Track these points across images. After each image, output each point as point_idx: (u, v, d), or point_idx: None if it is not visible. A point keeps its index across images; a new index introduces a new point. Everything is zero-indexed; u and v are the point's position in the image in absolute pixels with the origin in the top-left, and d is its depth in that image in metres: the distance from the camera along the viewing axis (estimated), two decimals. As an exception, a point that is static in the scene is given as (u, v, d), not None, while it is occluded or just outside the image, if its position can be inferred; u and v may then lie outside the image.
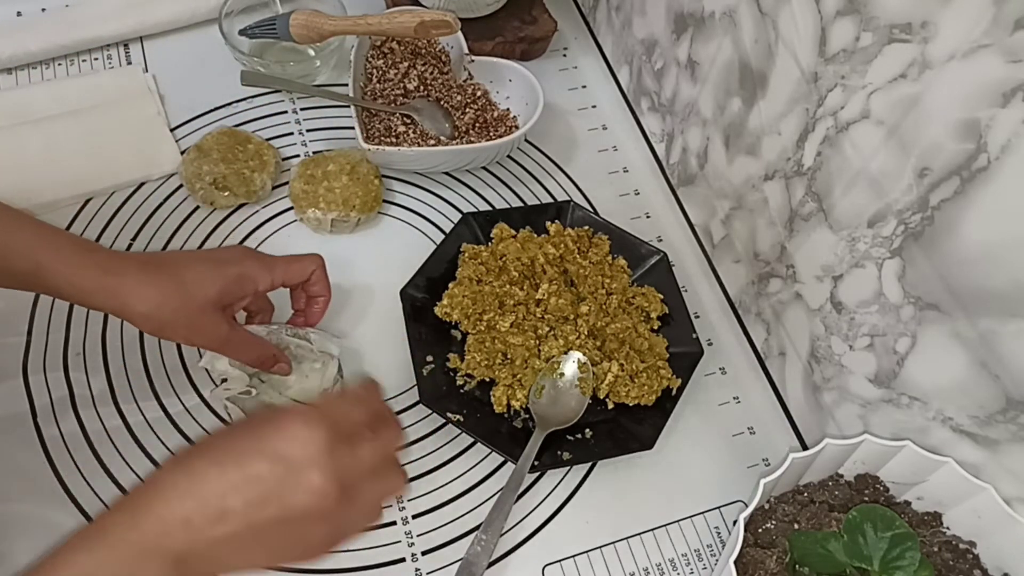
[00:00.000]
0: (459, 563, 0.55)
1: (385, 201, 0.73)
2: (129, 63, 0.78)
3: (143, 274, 0.49)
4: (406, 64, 0.76)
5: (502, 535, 0.58)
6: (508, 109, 0.77)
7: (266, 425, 0.39)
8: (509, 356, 0.63)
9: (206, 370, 0.60)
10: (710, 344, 0.69)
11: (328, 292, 0.61)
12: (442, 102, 0.76)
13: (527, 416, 0.62)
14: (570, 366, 0.61)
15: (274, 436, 0.39)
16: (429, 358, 0.63)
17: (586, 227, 0.70)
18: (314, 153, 0.74)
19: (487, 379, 0.63)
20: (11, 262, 0.48)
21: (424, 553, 0.57)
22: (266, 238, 0.70)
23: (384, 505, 0.45)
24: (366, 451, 0.41)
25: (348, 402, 0.43)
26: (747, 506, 0.47)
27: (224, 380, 0.58)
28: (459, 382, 0.63)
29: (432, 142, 0.74)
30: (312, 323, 0.62)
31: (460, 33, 0.74)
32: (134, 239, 0.68)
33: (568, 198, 0.75)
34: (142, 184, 0.71)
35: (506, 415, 0.62)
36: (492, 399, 0.62)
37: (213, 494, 0.37)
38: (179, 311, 0.50)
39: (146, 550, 0.36)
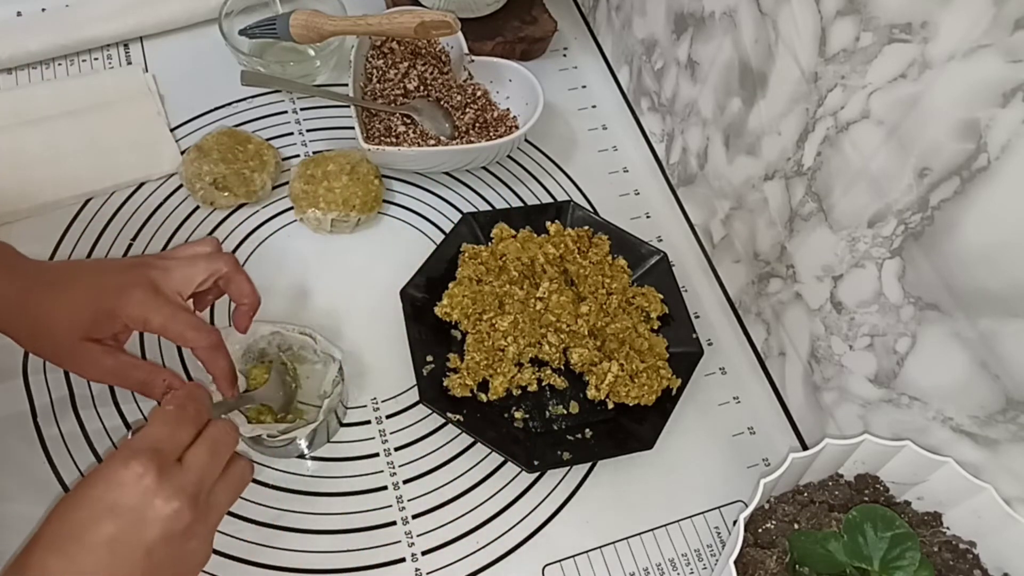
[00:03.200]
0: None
1: (385, 201, 0.73)
2: (129, 63, 0.78)
3: (25, 300, 0.50)
4: (406, 64, 0.76)
5: (502, 535, 0.59)
6: (508, 109, 0.77)
7: (92, 487, 0.40)
8: (505, 351, 0.63)
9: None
10: (710, 344, 0.69)
11: (220, 378, 0.54)
12: (442, 102, 0.76)
13: (527, 416, 0.62)
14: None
15: (104, 494, 0.40)
16: (429, 358, 0.63)
17: (586, 227, 0.70)
18: (314, 153, 0.74)
19: (486, 378, 0.62)
20: None
21: (424, 553, 0.57)
22: (266, 238, 0.70)
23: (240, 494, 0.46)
24: (197, 457, 0.42)
25: (161, 423, 0.43)
26: (747, 506, 0.47)
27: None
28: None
29: (432, 142, 0.74)
30: (240, 328, 0.57)
31: (460, 33, 0.73)
32: (134, 239, 0.68)
33: (568, 198, 0.75)
34: (142, 184, 0.71)
35: (506, 415, 0.62)
36: (490, 388, 0.62)
37: None
38: (52, 344, 0.51)
39: None
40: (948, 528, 0.51)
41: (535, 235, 0.69)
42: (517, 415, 0.62)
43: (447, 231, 0.71)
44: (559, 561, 0.58)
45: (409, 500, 0.59)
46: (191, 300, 0.55)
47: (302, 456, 0.60)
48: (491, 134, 0.75)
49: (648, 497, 0.62)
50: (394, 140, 0.73)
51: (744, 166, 0.65)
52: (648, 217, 0.77)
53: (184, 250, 0.56)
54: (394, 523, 0.58)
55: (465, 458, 0.62)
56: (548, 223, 0.69)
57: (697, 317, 0.70)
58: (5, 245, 0.52)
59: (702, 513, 0.62)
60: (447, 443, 0.62)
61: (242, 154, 0.70)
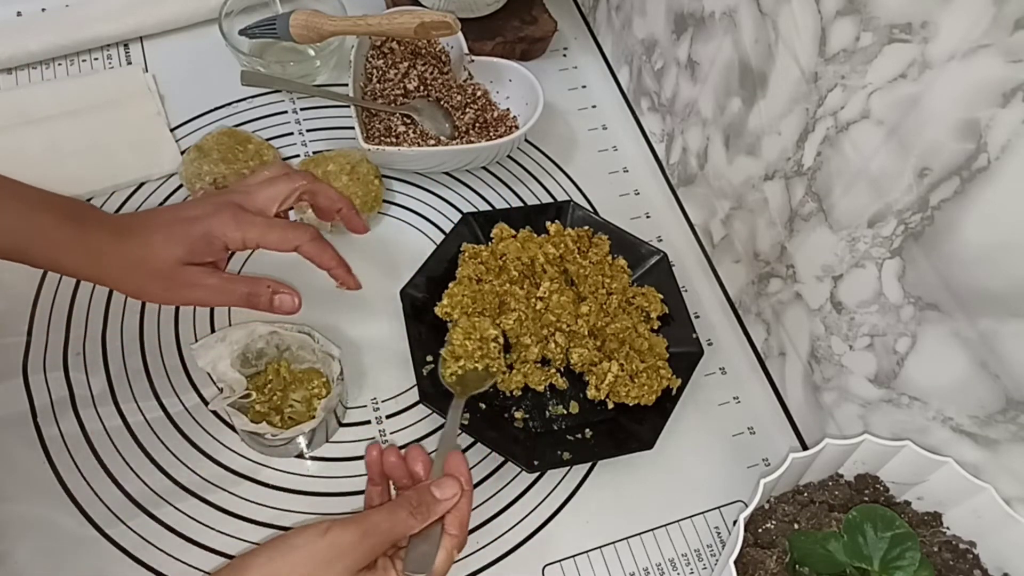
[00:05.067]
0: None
1: (385, 201, 0.73)
2: (129, 63, 0.78)
3: (117, 245, 0.51)
4: (406, 64, 0.76)
5: (502, 535, 0.59)
6: (508, 109, 0.77)
7: None
8: (512, 346, 0.63)
9: (207, 372, 0.60)
10: (710, 344, 0.69)
11: (336, 264, 0.57)
12: (442, 102, 0.76)
13: (527, 416, 0.62)
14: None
15: None
16: (429, 358, 0.63)
17: (586, 227, 0.70)
18: (314, 153, 0.74)
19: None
20: None
21: (424, 553, 0.57)
22: (266, 238, 0.70)
23: None
24: None
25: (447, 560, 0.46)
26: (747, 506, 0.47)
27: (223, 385, 0.57)
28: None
29: (432, 142, 0.74)
30: (361, 230, 0.61)
31: (460, 33, 0.73)
32: (134, 239, 0.68)
33: (568, 198, 0.75)
34: (142, 184, 0.71)
35: (506, 415, 0.62)
36: (499, 383, 0.62)
37: None
38: (151, 276, 0.52)
39: None
40: (948, 528, 0.51)
41: (535, 235, 0.69)
42: (517, 415, 0.62)
43: (447, 231, 0.71)
44: (559, 561, 0.58)
45: (409, 500, 0.59)
46: None
47: (301, 456, 0.60)
48: (491, 134, 0.75)
49: (648, 497, 0.62)
50: (394, 140, 0.73)
51: (744, 166, 0.65)
52: (648, 217, 0.77)
53: (258, 175, 0.57)
54: (394, 523, 0.58)
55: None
56: (548, 223, 0.69)
57: (697, 317, 0.70)
58: (83, 203, 0.54)
59: (702, 513, 0.62)
60: (447, 443, 0.62)
61: (242, 154, 0.70)
